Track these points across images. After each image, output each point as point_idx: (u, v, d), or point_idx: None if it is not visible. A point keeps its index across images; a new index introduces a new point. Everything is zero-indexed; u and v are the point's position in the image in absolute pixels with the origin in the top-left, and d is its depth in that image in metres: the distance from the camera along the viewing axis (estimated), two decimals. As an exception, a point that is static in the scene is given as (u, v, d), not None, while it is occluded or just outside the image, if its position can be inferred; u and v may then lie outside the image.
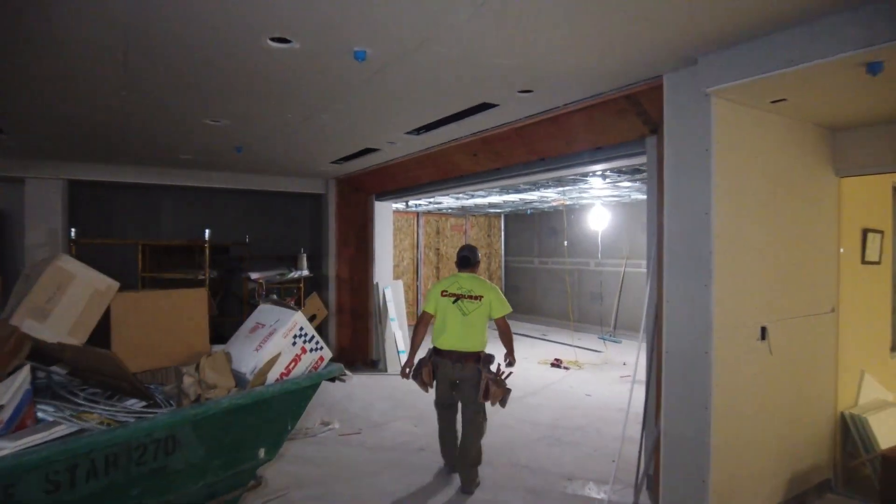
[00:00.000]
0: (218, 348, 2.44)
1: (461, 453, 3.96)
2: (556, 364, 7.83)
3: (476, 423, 3.93)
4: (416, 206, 10.02)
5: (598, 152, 4.28)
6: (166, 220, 9.57)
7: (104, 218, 9.15)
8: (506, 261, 13.23)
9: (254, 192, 9.60)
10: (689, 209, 3.06)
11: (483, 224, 12.97)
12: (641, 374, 3.93)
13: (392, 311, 7.55)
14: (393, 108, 4.00)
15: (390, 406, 5.95)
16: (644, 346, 3.89)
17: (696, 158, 3.01)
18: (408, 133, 4.78)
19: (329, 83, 3.39)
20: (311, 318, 2.70)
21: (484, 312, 3.90)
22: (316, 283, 8.61)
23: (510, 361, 4.02)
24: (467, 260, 4.11)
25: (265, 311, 2.60)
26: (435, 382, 3.98)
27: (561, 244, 11.69)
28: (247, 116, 4.26)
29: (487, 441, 4.81)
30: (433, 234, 12.29)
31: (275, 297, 7.33)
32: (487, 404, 3.91)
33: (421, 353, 4.14)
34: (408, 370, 4.03)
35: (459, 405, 4.05)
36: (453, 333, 3.87)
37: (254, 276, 7.24)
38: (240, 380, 2.32)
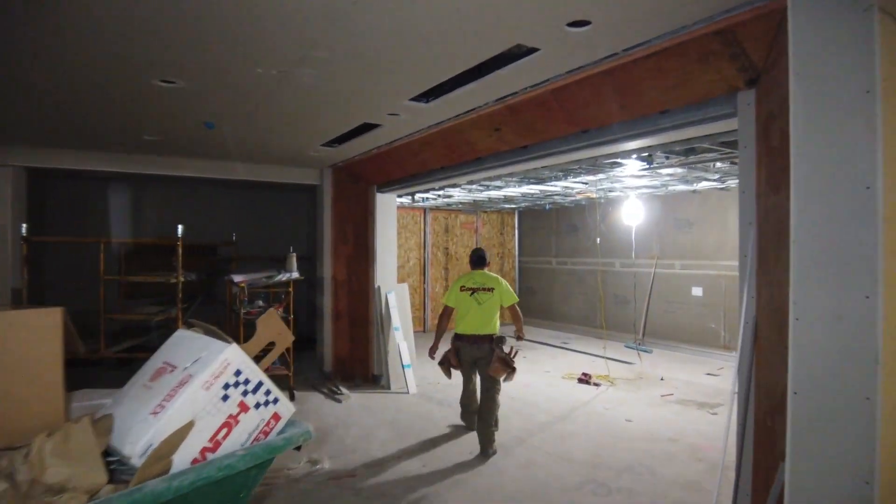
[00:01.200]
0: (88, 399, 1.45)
1: (480, 419, 4.57)
2: (585, 380, 6.81)
3: (491, 393, 4.56)
4: (423, 199, 9.03)
5: (663, 118, 3.26)
6: (149, 217, 8.65)
7: (77, 213, 8.24)
8: (520, 261, 12.22)
9: (243, 184, 8.68)
10: (835, 182, 2.05)
11: (495, 221, 11.96)
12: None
13: (396, 319, 6.57)
14: (394, 59, 3.01)
15: (394, 435, 4.95)
16: (735, 367, 2.88)
17: (849, 107, 2.00)
18: (414, 100, 3.80)
19: (304, 9, 2.41)
20: (261, 355, 1.72)
21: (496, 302, 4.64)
22: (310, 286, 7.66)
23: (519, 336, 4.85)
24: (483, 260, 4.95)
25: (181, 342, 1.60)
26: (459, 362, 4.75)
27: (581, 242, 10.68)
28: (206, 73, 3.28)
29: (514, 489, 3.83)
30: (441, 231, 11.30)
31: (261, 303, 6.37)
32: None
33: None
34: (434, 355, 4.87)
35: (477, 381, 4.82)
36: (472, 321, 4.61)
37: (237, 279, 6.26)
38: (122, 468, 1.33)
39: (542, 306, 11.62)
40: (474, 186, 7.41)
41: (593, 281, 10.45)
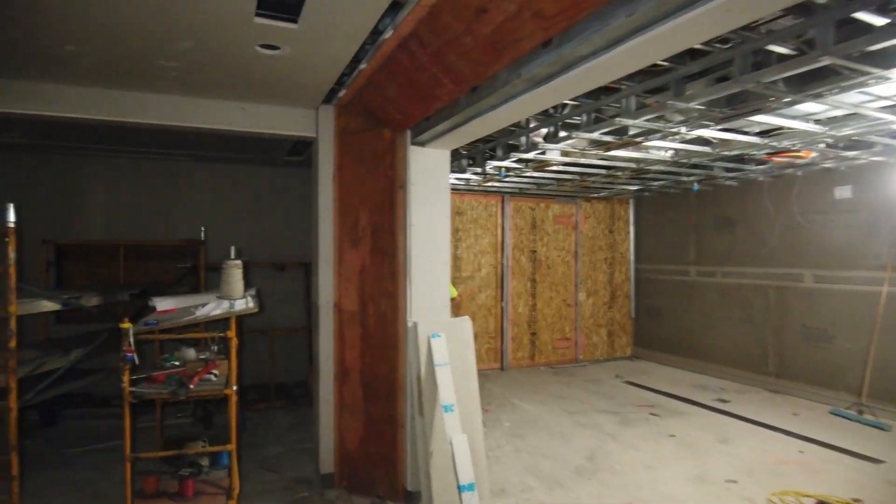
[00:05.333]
0: None
1: None
2: (834, 523, 3.29)
3: None
4: (500, 172, 5.74)
5: None
6: (95, 201, 5.98)
7: None
8: (637, 269, 8.65)
9: (223, 154, 5.82)
10: None
11: (602, 214, 8.46)
12: None
13: (447, 389, 3.36)
14: None
15: None
16: None
17: None
18: None
19: None
20: None
21: None
22: (254, 321, 4.62)
23: None
24: None
25: None
26: None
27: (741, 243, 6.99)
28: None
29: None
30: (527, 228, 7.97)
31: (192, 355, 3.35)
32: None
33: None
34: None
35: None
36: None
37: (160, 306, 3.32)
38: None
39: (672, 336, 7.98)
40: (595, 137, 4.05)
41: (763, 302, 6.73)
